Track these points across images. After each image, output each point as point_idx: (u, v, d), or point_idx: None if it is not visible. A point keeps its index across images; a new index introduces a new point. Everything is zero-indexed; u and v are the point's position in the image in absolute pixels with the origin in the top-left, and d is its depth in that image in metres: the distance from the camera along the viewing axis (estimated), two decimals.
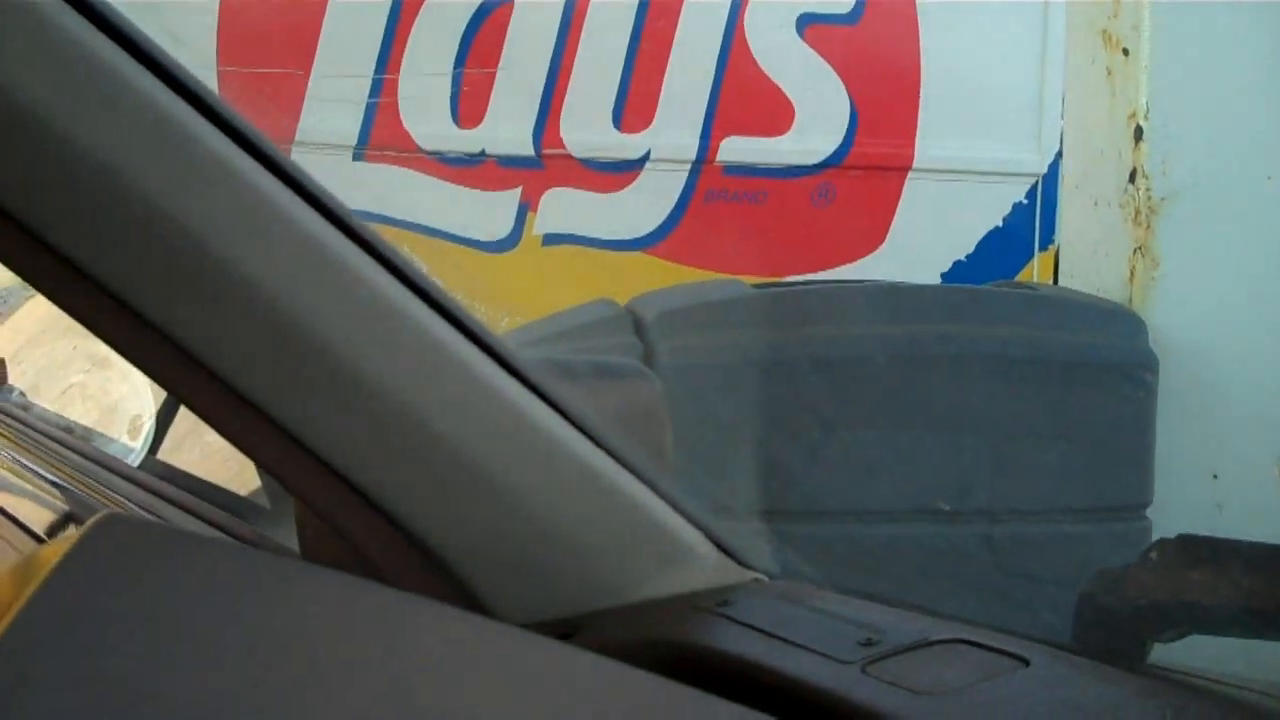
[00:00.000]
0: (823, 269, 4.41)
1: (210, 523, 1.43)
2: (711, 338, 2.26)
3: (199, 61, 4.22)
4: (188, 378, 0.93)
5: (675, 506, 1.14)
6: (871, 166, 4.54)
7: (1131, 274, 2.69)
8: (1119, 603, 1.04)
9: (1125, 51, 2.75)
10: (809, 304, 2.45)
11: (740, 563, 1.17)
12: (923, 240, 4.51)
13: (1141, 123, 2.73)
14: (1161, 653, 1.08)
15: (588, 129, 4.47)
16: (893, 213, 4.54)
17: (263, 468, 1.13)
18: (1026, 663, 0.98)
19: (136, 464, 2.15)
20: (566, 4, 4.42)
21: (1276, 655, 2.10)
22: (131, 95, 0.84)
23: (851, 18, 4.55)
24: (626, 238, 4.47)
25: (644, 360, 2.16)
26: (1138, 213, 2.72)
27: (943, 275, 4.43)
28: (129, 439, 2.25)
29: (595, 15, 4.43)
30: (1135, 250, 2.70)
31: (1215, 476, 2.61)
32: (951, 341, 2.35)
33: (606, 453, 1.09)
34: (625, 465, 1.10)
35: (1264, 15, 2.71)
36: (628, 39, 4.45)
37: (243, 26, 4.43)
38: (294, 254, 0.91)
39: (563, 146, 4.46)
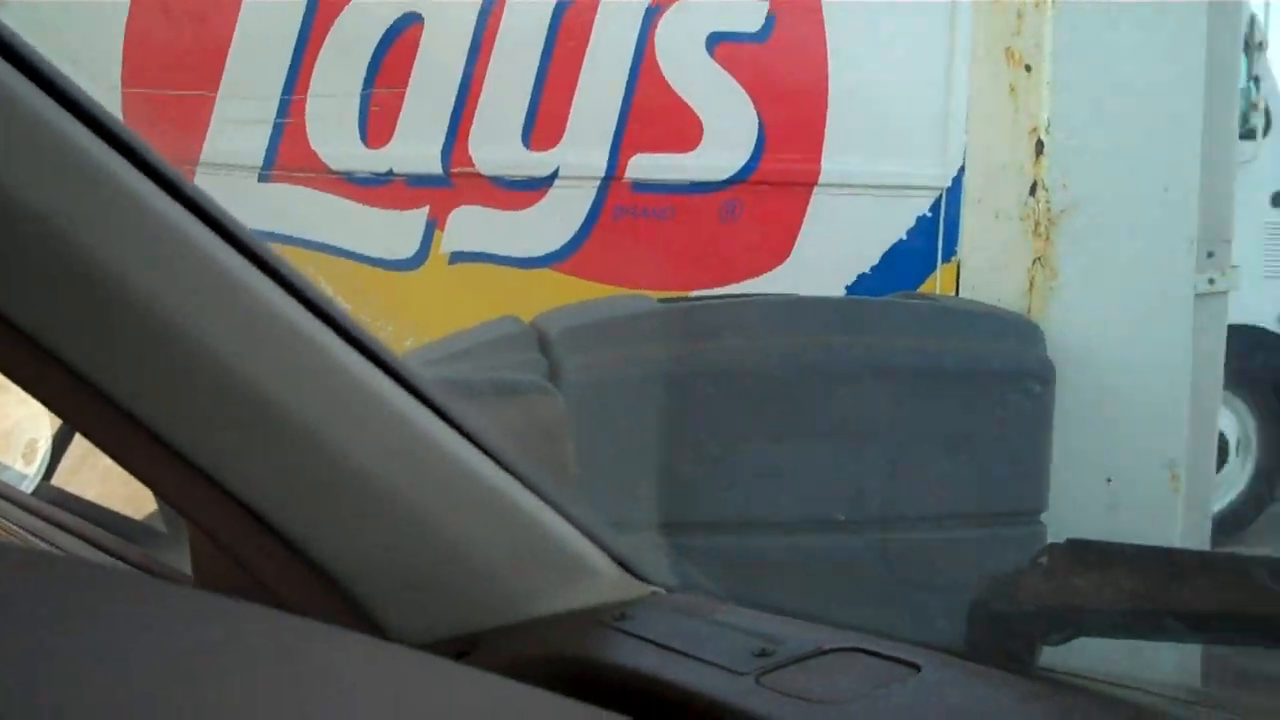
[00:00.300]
0: (729, 283, 4.42)
1: (103, 549, 1.41)
2: (617, 353, 2.26)
3: (103, 84, 4.17)
4: (78, 401, 0.91)
5: (574, 522, 1.14)
6: (778, 182, 4.58)
7: (1030, 285, 2.73)
8: (1009, 607, 1.06)
9: (1028, 68, 2.80)
10: (714, 318, 2.46)
11: (639, 577, 1.17)
12: (828, 254, 4.55)
13: (1043, 137, 2.78)
14: (1051, 656, 1.10)
15: (497, 147, 4.46)
16: (799, 227, 4.57)
17: (155, 492, 1.12)
18: (918, 669, 0.99)
19: (31, 490, 2.10)
20: (478, 23, 4.41)
21: (1158, 654, 2.15)
22: (19, 110, 0.83)
23: (760, 36, 4.58)
24: (534, 255, 4.47)
25: (549, 376, 2.16)
26: (1037, 225, 2.76)
27: (847, 288, 4.48)
28: (23, 464, 2.20)
29: (506, 34, 4.43)
30: (1035, 261, 2.75)
31: (1109, 480, 2.66)
32: (853, 353, 2.36)
33: (506, 470, 1.08)
34: (525, 482, 1.10)
35: (1162, 33, 2.76)
36: (538, 57, 4.45)
37: (148, 48, 4.38)
38: (187, 273, 0.90)
39: (471, 165, 4.45)
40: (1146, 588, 1.01)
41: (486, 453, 1.07)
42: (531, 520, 1.10)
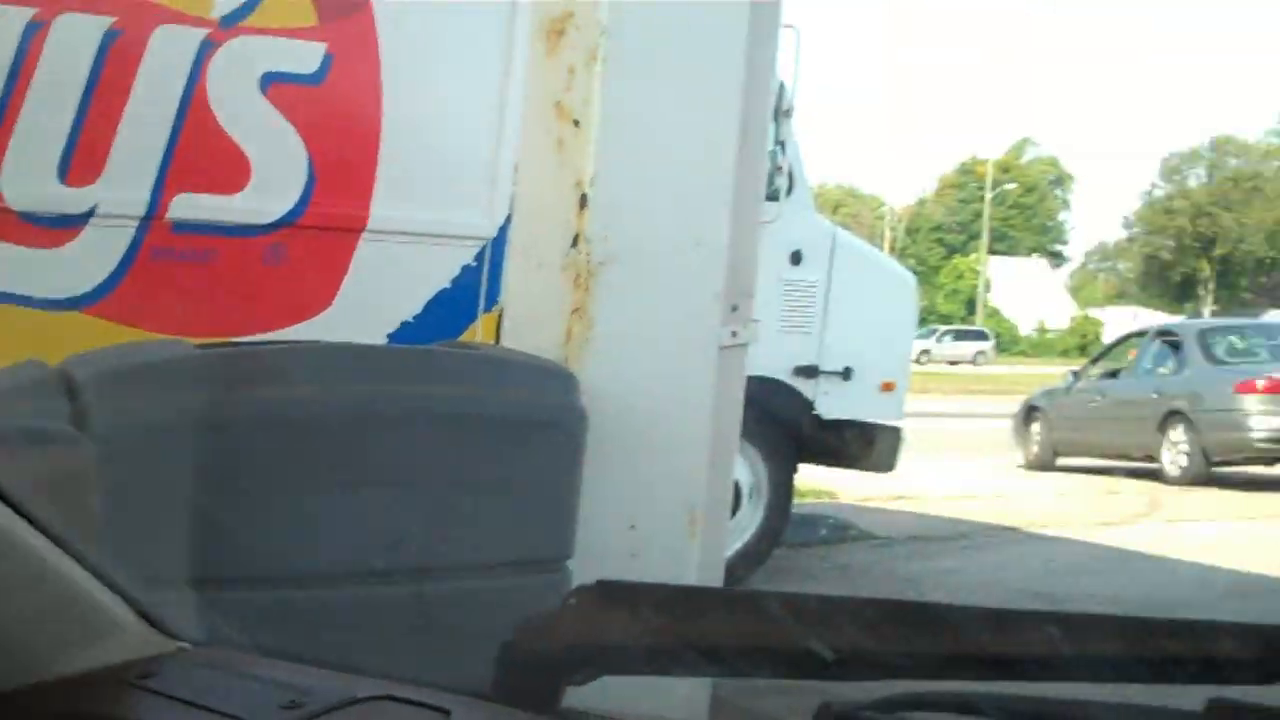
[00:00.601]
0: (272, 329, 4.30)
1: None
2: (149, 400, 2.18)
3: None
4: None
5: (99, 577, 1.10)
6: (325, 227, 4.52)
7: (568, 335, 2.81)
8: (535, 649, 1.10)
9: (576, 123, 2.88)
10: (251, 365, 2.40)
11: (166, 632, 1.15)
12: (372, 300, 4.53)
13: (587, 190, 2.86)
14: (582, 696, 1.15)
15: (29, 180, 4.20)
16: (344, 273, 4.53)
17: None
18: (448, 714, 1.01)
19: None
20: (19, 47, 4.14)
21: (673, 693, 2.26)
22: None
23: (315, 78, 4.52)
24: (64, 296, 4.22)
25: (75, 423, 2.06)
26: (578, 276, 2.85)
27: (390, 335, 4.45)
28: None
29: (49, 60, 4.17)
30: (573, 312, 2.83)
31: (633, 527, 2.77)
32: (393, 401, 2.36)
33: (26, 521, 1.04)
34: (48, 535, 1.06)
35: (701, 95, 2.91)
36: (82, 86, 4.22)
37: None
38: None
39: (1, 199, 4.17)
40: (670, 625, 1.06)
41: (6, 504, 1.03)
42: (53, 575, 1.06)
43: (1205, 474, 13.78)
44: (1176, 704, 0.97)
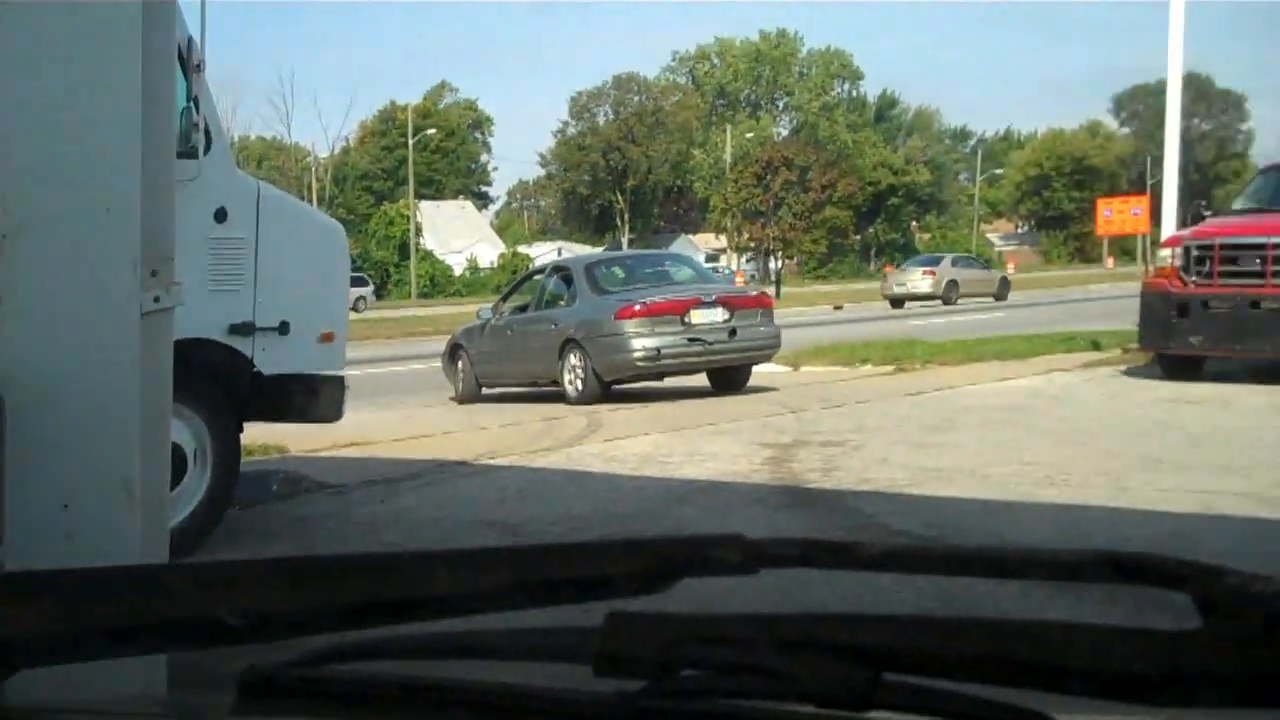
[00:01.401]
0: None
1: None
2: None
3: None
4: None
5: None
6: None
7: None
8: None
9: None
10: None
11: None
12: None
13: None
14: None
15: None
16: None
17: None
18: None
19: None
20: None
21: (133, 672, 2.20)
22: None
23: None
24: None
25: None
26: None
27: None
28: None
29: None
30: None
31: (66, 507, 2.66)
32: None
33: None
34: None
35: (95, 55, 2.77)
36: None
37: None
38: None
39: None
40: (71, 611, 1.03)
41: None
42: None
43: (600, 394, 15.25)
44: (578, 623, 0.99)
